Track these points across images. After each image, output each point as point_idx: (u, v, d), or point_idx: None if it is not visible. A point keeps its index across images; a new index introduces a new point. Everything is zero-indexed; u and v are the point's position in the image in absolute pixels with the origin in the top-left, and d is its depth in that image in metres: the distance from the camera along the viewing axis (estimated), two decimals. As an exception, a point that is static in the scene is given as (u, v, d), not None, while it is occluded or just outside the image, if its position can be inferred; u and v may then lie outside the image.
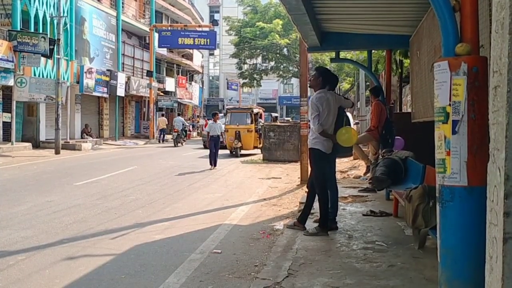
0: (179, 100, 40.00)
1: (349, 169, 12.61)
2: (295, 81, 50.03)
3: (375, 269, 4.38)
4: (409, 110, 9.31)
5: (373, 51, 10.98)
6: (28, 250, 5.46)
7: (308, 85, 6.52)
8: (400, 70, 11.75)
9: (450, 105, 2.83)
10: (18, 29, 20.31)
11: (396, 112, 11.43)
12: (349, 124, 6.24)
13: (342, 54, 10.44)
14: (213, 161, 13.95)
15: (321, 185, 5.83)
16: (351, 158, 13.89)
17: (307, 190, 6.25)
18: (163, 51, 35.78)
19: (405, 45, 8.55)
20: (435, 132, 2.94)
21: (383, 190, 7.52)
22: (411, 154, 6.82)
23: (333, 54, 10.47)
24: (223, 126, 14.13)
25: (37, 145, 21.28)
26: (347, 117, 6.25)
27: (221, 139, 14.61)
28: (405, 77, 12.37)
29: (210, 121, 14.92)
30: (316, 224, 5.94)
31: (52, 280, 4.45)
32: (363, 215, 6.73)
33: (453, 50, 2.88)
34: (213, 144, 14.02)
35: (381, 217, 6.59)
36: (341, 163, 13.66)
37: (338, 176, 8.01)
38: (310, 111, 5.86)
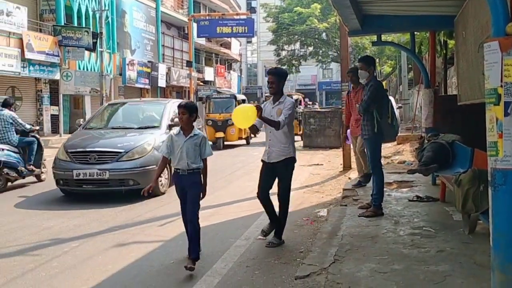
0: (218, 89, 40.28)
1: (393, 154, 12.41)
2: (334, 66, 49.40)
3: (424, 255, 4.33)
4: (455, 93, 9.04)
5: (416, 32, 10.68)
6: (81, 237, 5.69)
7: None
8: (444, 51, 11.38)
9: (501, 86, 2.74)
10: (62, 24, 20.93)
11: (441, 95, 11.12)
12: (393, 110, 6.14)
13: (383, 37, 10.20)
14: (190, 251, 4.48)
15: (378, 165, 6.05)
16: (395, 143, 13.65)
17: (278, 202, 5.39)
18: (202, 41, 36.03)
19: (450, 26, 8.27)
20: (486, 114, 2.86)
21: (430, 175, 7.37)
22: (458, 138, 6.65)
23: (373, 37, 10.25)
24: (208, 147, 4.70)
25: (83, 136, 21.94)
26: (390, 101, 6.17)
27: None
28: (450, 59, 11.99)
29: (172, 131, 4.81)
30: (362, 211, 5.97)
31: (105, 266, 4.63)
32: (409, 200, 6.63)
33: (504, 30, 2.78)
34: (181, 197, 4.72)
35: (427, 202, 6.48)
36: (385, 148, 13.44)
37: (382, 161, 7.85)
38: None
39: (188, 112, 4.57)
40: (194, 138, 4.60)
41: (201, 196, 4.68)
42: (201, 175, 4.68)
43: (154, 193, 7.47)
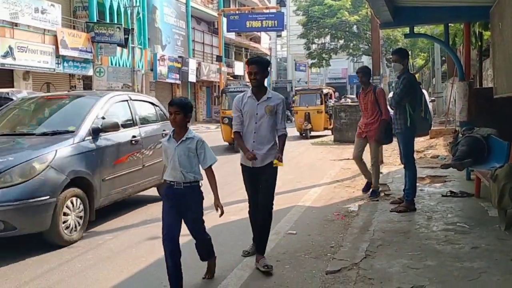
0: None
1: (426, 149, 12.20)
2: (365, 59, 48.63)
3: (458, 251, 4.25)
4: (491, 85, 8.80)
5: (450, 24, 10.44)
6: (114, 230, 5.82)
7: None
8: (479, 43, 11.06)
9: (541, 78, 2.66)
10: (95, 20, 21.33)
11: (476, 87, 10.85)
12: (427, 103, 6.05)
13: (416, 29, 10.00)
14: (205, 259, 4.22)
15: (411, 160, 6.01)
16: (428, 137, 13.42)
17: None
18: (232, 35, 36.11)
19: (485, 17, 8.04)
20: (525, 107, 2.78)
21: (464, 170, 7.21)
22: (494, 132, 6.48)
23: (405, 29, 10.07)
24: (209, 151, 3.82)
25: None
26: (423, 94, 6.08)
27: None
28: (485, 51, 11.66)
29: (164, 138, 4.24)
30: (393, 206, 5.91)
31: (138, 258, 4.72)
32: (443, 195, 6.52)
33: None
34: (172, 219, 3.76)
35: (462, 197, 6.36)
36: (418, 143, 13.22)
37: (415, 156, 7.71)
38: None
39: (182, 112, 3.69)
40: (187, 142, 3.71)
41: (219, 212, 3.85)
42: (201, 191, 3.86)
43: (53, 241, 5.07)
